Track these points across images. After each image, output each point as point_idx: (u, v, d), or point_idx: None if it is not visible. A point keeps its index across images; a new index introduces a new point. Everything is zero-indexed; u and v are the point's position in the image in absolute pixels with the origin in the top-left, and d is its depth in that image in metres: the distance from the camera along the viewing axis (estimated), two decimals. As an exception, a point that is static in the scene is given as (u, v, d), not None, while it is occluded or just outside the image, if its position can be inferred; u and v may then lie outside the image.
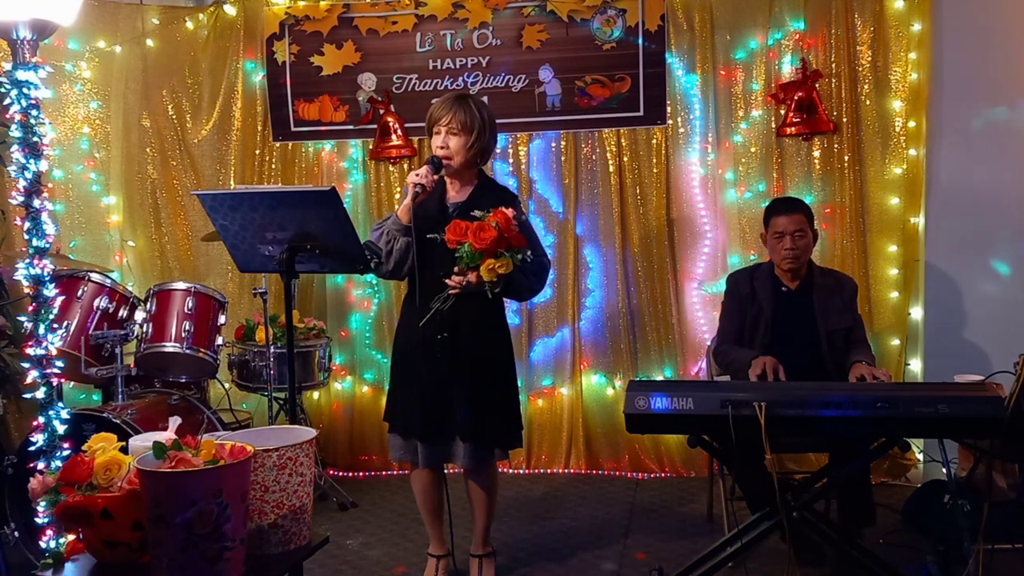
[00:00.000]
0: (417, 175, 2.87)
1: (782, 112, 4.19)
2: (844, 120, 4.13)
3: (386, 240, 2.93)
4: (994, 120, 4.02)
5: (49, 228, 2.47)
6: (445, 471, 3.19)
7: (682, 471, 4.38)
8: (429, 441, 3.00)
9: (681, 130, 4.33)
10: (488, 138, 3.02)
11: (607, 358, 4.47)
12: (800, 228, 3.31)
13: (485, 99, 4.37)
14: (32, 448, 2.52)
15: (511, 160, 4.50)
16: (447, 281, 2.87)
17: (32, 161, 2.42)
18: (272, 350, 3.96)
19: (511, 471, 4.45)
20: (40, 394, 2.48)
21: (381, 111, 4.50)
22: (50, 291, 2.48)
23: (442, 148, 2.94)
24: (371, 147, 4.56)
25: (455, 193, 3.04)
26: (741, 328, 3.42)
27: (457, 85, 4.45)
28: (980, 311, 4.07)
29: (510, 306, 3.20)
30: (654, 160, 4.35)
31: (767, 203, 3.60)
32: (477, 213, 2.81)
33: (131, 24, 4.57)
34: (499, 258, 2.79)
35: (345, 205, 2.88)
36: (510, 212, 2.80)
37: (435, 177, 2.93)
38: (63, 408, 2.55)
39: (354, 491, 4.22)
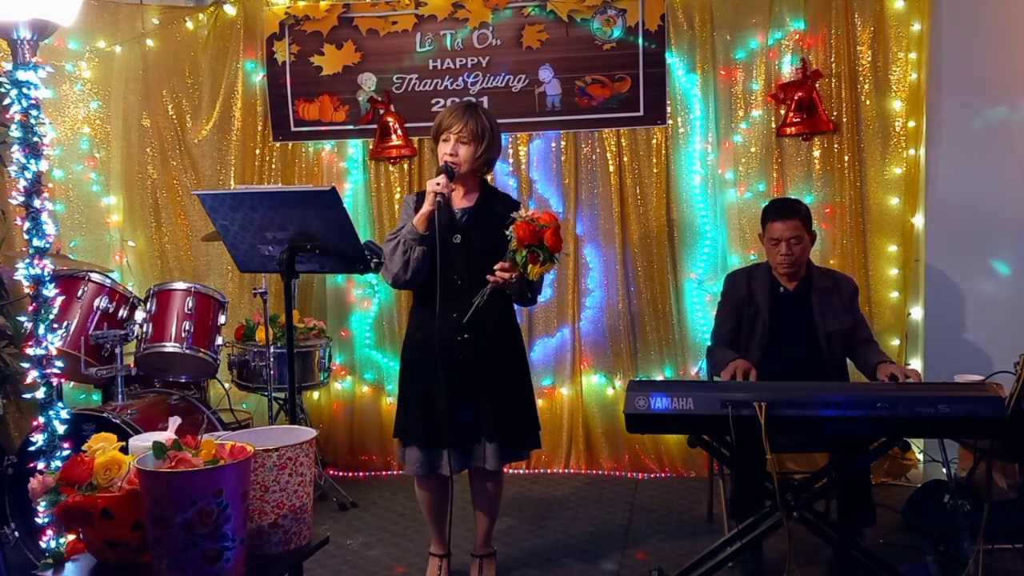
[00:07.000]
0: (438, 184, 2.88)
1: (782, 112, 4.19)
2: (844, 120, 4.12)
3: (403, 250, 2.91)
4: (994, 120, 4.02)
5: (49, 228, 2.47)
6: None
7: (682, 471, 4.38)
8: (458, 446, 2.99)
9: (681, 130, 4.33)
10: (495, 149, 3.05)
11: (607, 358, 4.47)
12: (796, 235, 3.27)
13: (485, 99, 4.39)
14: (32, 448, 2.52)
15: (511, 160, 4.50)
16: (489, 277, 2.88)
17: (32, 161, 2.42)
18: (272, 350, 3.96)
19: (511, 471, 4.44)
20: (40, 394, 2.48)
21: (381, 111, 4.50)
22: (50, 291, 2.48)
23: (451, 155, 2.95)
24: (371, 147, 4.56)
25: (461, 199, 3.05)
26: (733, 329, 3.41)
27: (457, 85, 4.45)
28: (980, 311, 4.07)
29: (511, 306, 3.22)
30: (654, 160, 4.35)
31: (766, 203, 3.60)
32: (522, 213, 2.84)
33: (131, 24, 4.57)
34: (555, 260, 2.88)
35: (345, 205, 2.88)
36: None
37: (452, 186, 2.95)
38: (63, 408, 2.54)
39: (354, 491, 4.22)
